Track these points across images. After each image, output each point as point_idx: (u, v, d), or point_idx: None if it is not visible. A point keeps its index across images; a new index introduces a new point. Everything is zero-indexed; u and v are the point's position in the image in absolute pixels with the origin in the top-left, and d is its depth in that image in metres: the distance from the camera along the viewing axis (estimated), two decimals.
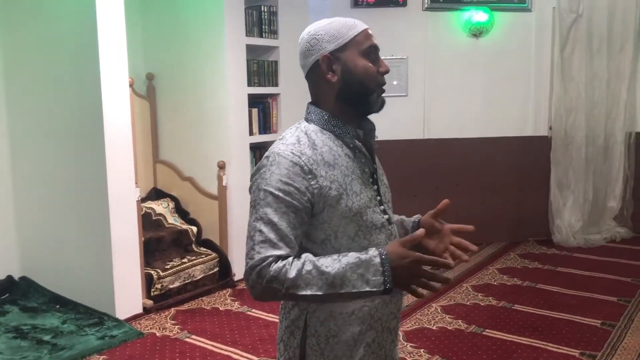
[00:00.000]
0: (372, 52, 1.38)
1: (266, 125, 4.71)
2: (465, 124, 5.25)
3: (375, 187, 1.44)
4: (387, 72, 1.40)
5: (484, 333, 3.47)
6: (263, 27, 4.55)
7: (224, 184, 4.35)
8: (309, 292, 1.21)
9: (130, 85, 3.85)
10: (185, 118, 4.57)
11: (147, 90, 4.67)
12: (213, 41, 4.31)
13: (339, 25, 1.38)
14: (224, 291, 4.27)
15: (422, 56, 5.18)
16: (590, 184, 5.35)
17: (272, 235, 1.26)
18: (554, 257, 4.99)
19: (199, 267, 4.19)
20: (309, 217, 1.32)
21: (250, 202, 1.33)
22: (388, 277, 1.21)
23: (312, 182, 1.30)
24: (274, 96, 4.72)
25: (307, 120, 1.42)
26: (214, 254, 4.33)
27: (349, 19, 1.41)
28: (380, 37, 5.39)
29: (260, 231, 1.27)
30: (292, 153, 1.31)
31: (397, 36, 5.10)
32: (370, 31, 1.40)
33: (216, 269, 4.33)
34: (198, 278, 4.19)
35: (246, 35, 4.41)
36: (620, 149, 5.35)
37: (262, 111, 4.67)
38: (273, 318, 3.72)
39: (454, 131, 5.24)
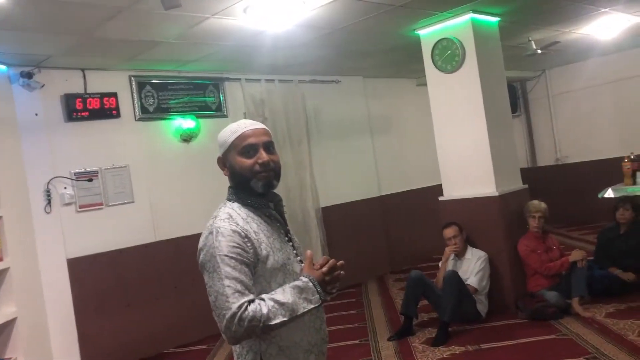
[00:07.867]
0: (248, 150, 1.79)
1: None
2: (192, 223, 5.49)
3: (291, 243, 1.87)
4: (264, 162, 1.79)
5: None
6: None
7: None
8: (278, 320, 1.61)
9: None
10: None
11: None
12: None
13: (226, 132, 1.84)
14: None
15: (142, 163, 5.35)
16: None
17: (239, 287, 1.62)
18: None
19: None
20: (254, 270, 1.70)
21: (208, 268, 1.68)
22: (321, 293, 1.70)
23: (248, 244, 1.69)
24: None
25: (229, 200, 1.83)
26: None
27: (238, 123, 1.84)
28: (99, 148, 5.46)
29: (229, 286, 1.62)
30: (230, 224, 1.71)
31: (116, 146, 5.18)
32: (249, 132, 1.80)
33: None
34: None
35: None
36: (314, 223, 6.46)
37: None
38: None
39: (183, 230, 5.46)
